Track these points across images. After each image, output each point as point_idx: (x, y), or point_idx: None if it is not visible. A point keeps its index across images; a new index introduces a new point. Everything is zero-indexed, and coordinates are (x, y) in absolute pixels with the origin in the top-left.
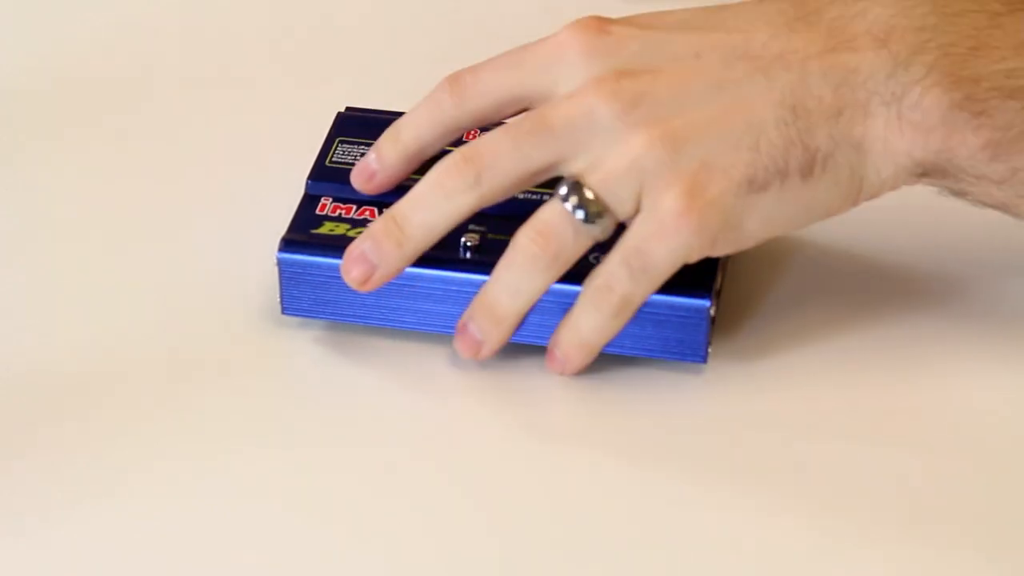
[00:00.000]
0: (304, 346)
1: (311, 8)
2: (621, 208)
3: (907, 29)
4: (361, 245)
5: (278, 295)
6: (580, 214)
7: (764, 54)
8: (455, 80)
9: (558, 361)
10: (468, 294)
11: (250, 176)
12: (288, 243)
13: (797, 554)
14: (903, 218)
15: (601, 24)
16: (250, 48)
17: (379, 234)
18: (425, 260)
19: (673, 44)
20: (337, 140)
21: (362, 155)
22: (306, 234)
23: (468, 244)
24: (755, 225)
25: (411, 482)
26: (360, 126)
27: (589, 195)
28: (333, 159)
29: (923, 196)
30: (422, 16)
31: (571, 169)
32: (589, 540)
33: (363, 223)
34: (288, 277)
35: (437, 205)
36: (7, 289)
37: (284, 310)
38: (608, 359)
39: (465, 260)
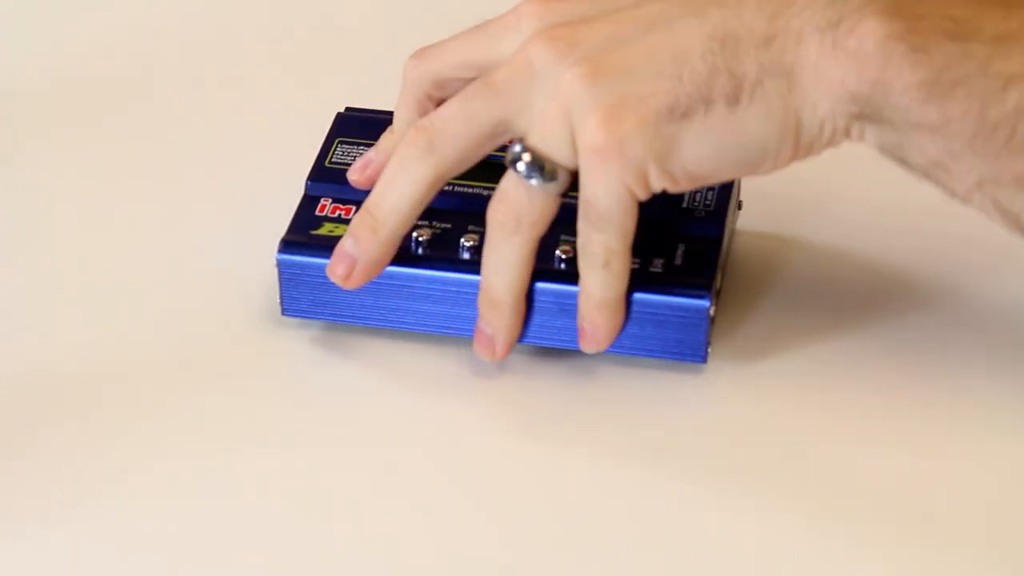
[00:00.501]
0: (304, 346)
1: (311, 8)
2: (563, 156)
3: None
4: (343, 242)
5: (278, 295)
6: (530, 172)
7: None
8: (419, 51)
9: (589, 335)
10: (468, 294)
11: (250, 176)
12: (288, 244)
13: (797, 554)
14: (903, 219)
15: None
16: (250, 48)
17: (355, 227)
18: (425, 261)
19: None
20: (337, 140)
21: (362, 155)
22: (305, 235)
23: (468, 244)
24: (688, 156)
25: (411, 482)
26: (360, 126)
27: (531, 154)
28: (333, 159)
29: (923, 196)
30: (422, 16)
31: (517, 129)
32: (589, 540)
33: None
34: (288, 278)
35: (399, 182)
36: (7, 289)
37: (284, 311)
38: (608, 359)
39: (465, 260)
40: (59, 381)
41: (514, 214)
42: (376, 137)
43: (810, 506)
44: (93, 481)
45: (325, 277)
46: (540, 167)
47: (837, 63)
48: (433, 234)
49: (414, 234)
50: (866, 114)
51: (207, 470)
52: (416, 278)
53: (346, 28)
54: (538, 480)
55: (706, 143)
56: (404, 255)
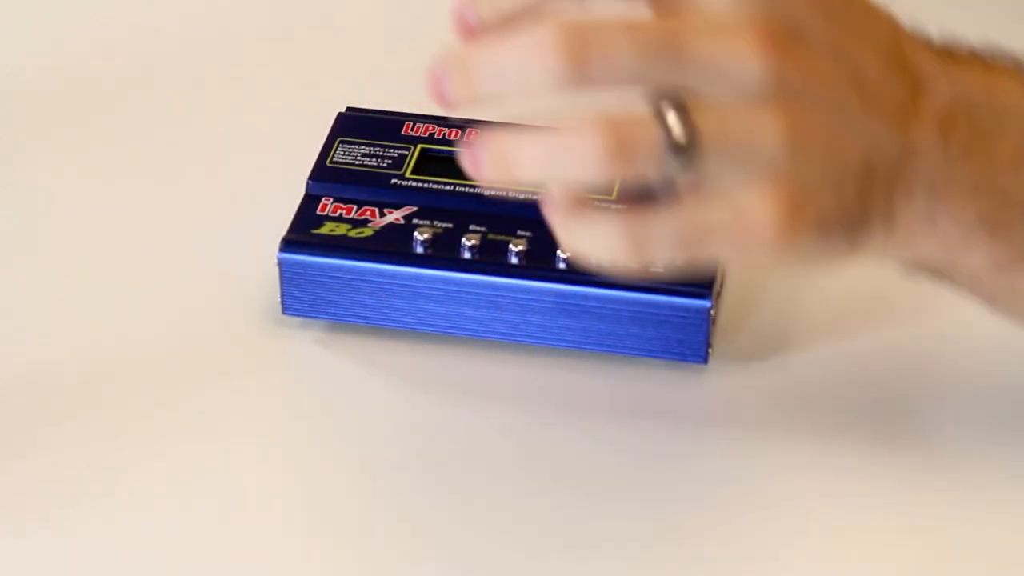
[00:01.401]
0: (304, 346)
1: (311, 8)
2: (711, 173)
3: (966, 122)
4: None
5: (278, 295)
6: (676, 133)
7: (870, 93)
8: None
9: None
10: (468, 294)
11: (250, 176)
12: (288, 243)
13: (797, 553)
14: None
15: None
16: (250, 48)
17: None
18: (426, 260)
19: (818, 30)
20: (337, 140)
21: (363, 155)
22: (306, 234)
23: (469, 244)
24: (804, 253)
25: (412, 482)
26: (360, 126)
27: (691, 129)
28: (333, 159)
29: None
30: (422, 16)
31: (682, 96)
32: (590, 539)
33: (363, 223)
34: (289, 277)
35: (519, 72)
36: (7, 289)
37: (284, 310)
38: (608, 359)
39: (466, 260)
40: (59, 381)
41: (626, 148)
42: (376, 137)
43: (810, 505)
44: (93, 481)
45: (326, 276)
46: (687, 144)
47: (926, 234)
48: (434, 234)
49: (415, 234)
50: (930, 271)
51: (207, 470)
52: (417, 277)
53: (346, 28)
54: (539, 479)
55: (820, 256)
56: (405, 255)
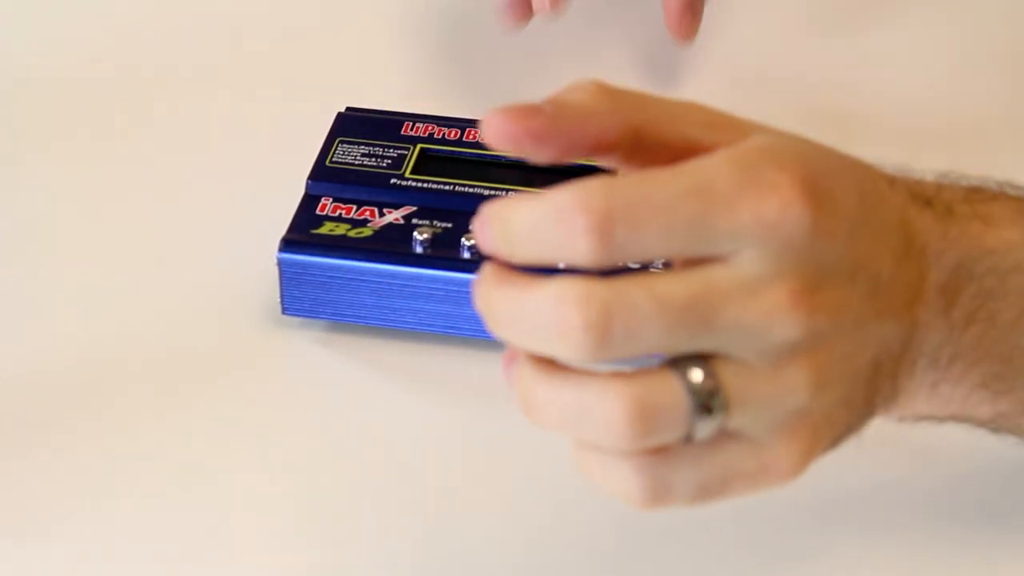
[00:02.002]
0: (304, 346)
1: (311, 7)
2: (741, 426)
3: (969, 289)
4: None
5: (278, 295)
6: (703, 397)
7: (884, 298)
8: (603, 222)
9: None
10: (468, 294)
11: (250, 176)
12: (288, 243)
13: (796, 553)
14: None
15: (806, 195)
16: (250, 47)
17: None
18: (426, 260)
19: (845, 250)
20: (337, 140)
21: (363, 155)
22: (306, 234)
23: (469, 244)
24: None
25: (412, 481)
26: (360, 126)
27: (718, 392)
28: (333, 159)
29: None
30: (422, 16)
31: (709, 356)
32: (592, 540)
33: (363, 223)
34: (288, 277)
35: (543, 340)
36: (7, 289)
37: (284, 310)
38: None
39: (466, 260)
40: (59, 381)
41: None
42: (376, 137)
43: (810, 505)
44: (92, 482)
45: (326, 276)
46: (710, 401)
47: (927, 400)
48: (434, 234)
49: (414, 234)
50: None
51: (206, 470)
52: (417, 277)
53: (346, 28)
54: (539, 478)
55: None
56: (405, 255)
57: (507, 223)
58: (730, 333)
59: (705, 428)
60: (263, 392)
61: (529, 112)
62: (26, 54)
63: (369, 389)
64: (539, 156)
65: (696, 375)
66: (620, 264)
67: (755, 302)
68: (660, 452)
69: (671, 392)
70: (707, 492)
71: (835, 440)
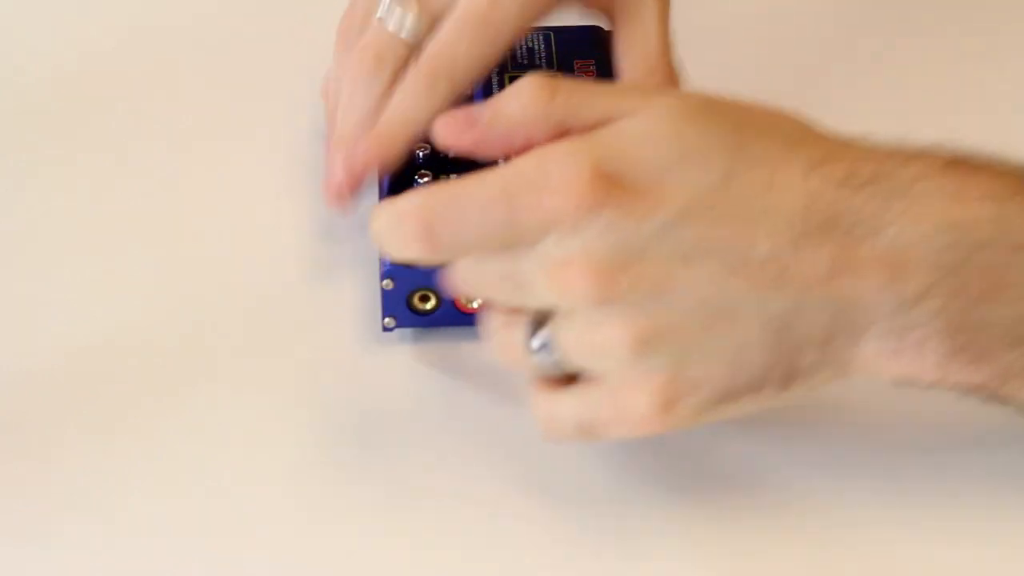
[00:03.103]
0: (305, 345)
1: (312, 7)
2: (588, 369)
3: (921, 263)
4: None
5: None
6: (534, 341)
7: (759, 274)
8: (427, 227)
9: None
10: None
11: (251, 175)
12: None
13: (796, 550)
14: None
15: (602, 185)
16: (251, 48)
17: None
18: None
19: (668, 239)
20: None
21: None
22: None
23: None
24: (715, 419)
25: (412, 479)
26: None
27: (550, 332)
28: None
29: None
30: None
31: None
32: (593, 541)
33: None
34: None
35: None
36: (7, 289)
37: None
38: None
39: None
40: (59, 381)
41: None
42: None
43: (812, 502)
44: (93, 482)
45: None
46: (543, 342)
47: (892, 366)
48: None
49: None
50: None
51: (208, 469)
52: None
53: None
54: (539, 480)
55: (743, 411)
56: None
57: (372, 222)
58: (539, 301)
59: (544, 362)
60: (262, 392)
61: (467, 123)
62: (26, 54)
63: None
64: (480, 157)
65: (538, 316)
66: (449, 260)
67: (555, 276)
68: (552, 388)
69: (518, 332)
70: (585, 430)
71: (719, 400)
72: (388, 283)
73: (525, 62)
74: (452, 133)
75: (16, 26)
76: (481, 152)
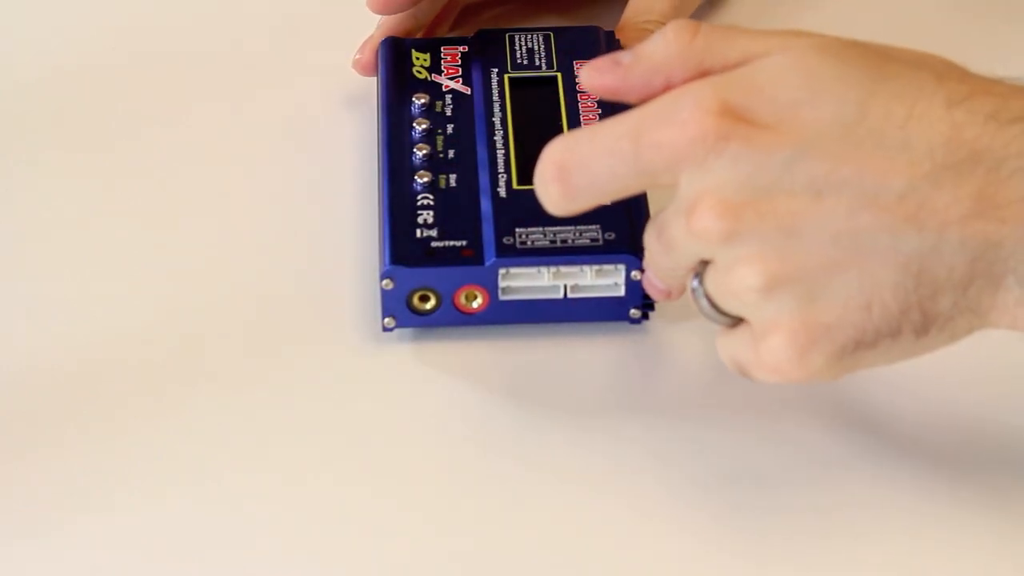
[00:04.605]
0: (305, 346)
1: (312, 7)
2: (734, 311)
3: None
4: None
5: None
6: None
7: (896, 209)
8: (561, 172)
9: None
10: None
11: (250, 176)
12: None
13: (796, 550)
14: None
15: (729, 120)
16: (251, 48)
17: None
18: None
19: (797, 172)
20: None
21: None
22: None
23: None
24: (861, 367)
25: (410, 477)
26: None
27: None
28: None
29: None
30: None
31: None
32: (595, 540)
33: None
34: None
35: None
36: (7, 289)
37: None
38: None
39: None
40: (59, 382)
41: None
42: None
43: (811, 504)
44: (92, 483)
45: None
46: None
47: None
48: None
49: None
50: None
51: (207, 470)
52: None
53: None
54: (541, 478)
55: (883, 359)
56: None
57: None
58: (687, 257)
59: (707, 311)
60: (262, 392)
61: (610, 64)
62: (27, 54)
63: (368, 389)
64: (622, 100)
65: (698, 269)
66: (589, 204)
67: (687, 220)
68: (726, 332)
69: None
70: (744, 373)
71: (855, 347)
72: (388, 283)
73: (525, 62)
74: (596, 74)
75: (16, 26)
76: (623, 93)
